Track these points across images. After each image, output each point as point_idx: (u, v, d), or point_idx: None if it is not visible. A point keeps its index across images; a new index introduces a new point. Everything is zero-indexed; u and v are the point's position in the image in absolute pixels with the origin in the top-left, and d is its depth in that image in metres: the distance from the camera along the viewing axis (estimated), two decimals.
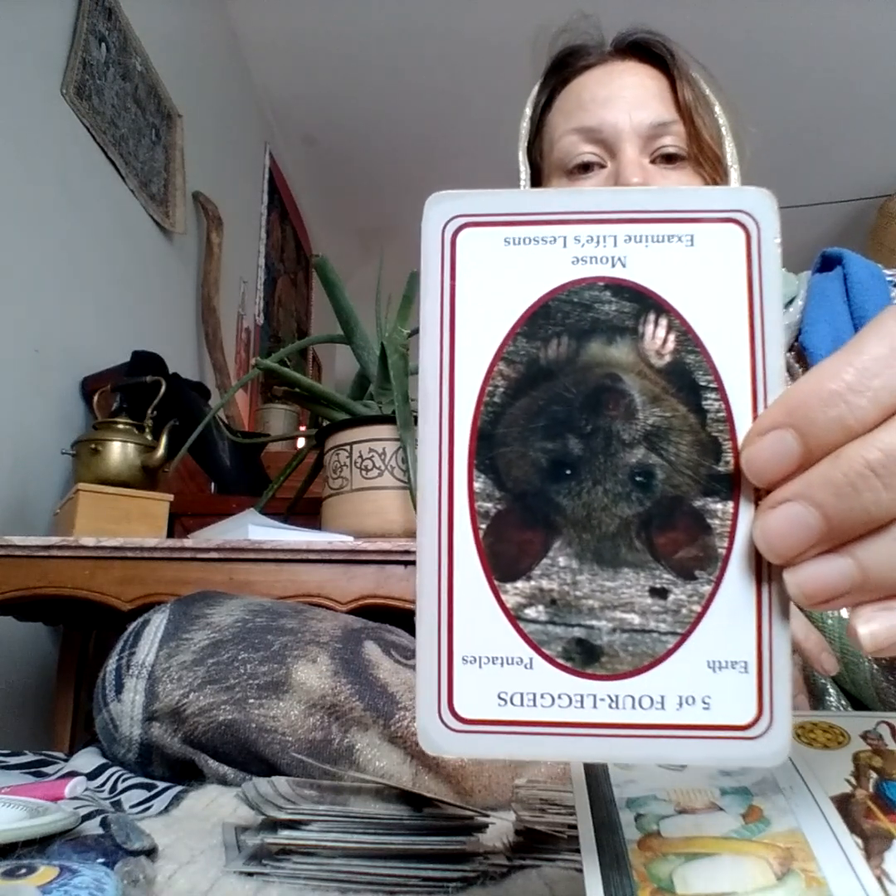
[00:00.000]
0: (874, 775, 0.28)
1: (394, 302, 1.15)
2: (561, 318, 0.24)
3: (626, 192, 0.25)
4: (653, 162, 0.76)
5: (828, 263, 0.78)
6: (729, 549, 0.23)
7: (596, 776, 0.28)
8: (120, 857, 0.38)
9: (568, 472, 0.23)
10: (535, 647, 0.23)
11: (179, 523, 1.42)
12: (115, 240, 1.74)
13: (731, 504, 0.23)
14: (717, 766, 0.28)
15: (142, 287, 1.87)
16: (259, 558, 1.05)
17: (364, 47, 2.62)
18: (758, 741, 0.22)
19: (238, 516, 1.15)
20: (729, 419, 0.23)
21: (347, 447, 1.12)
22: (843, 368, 0.21)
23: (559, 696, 0.23)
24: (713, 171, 0.77)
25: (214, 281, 2.24)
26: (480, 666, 0.23)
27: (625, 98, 0.76)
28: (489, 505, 0.23)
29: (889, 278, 0.73)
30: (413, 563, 1.08)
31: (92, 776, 0.62)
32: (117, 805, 0.56)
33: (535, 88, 0.85)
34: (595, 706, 0.23)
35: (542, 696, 0.23)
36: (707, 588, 0.23)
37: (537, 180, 0.85)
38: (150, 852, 0.41)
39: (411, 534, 1.07)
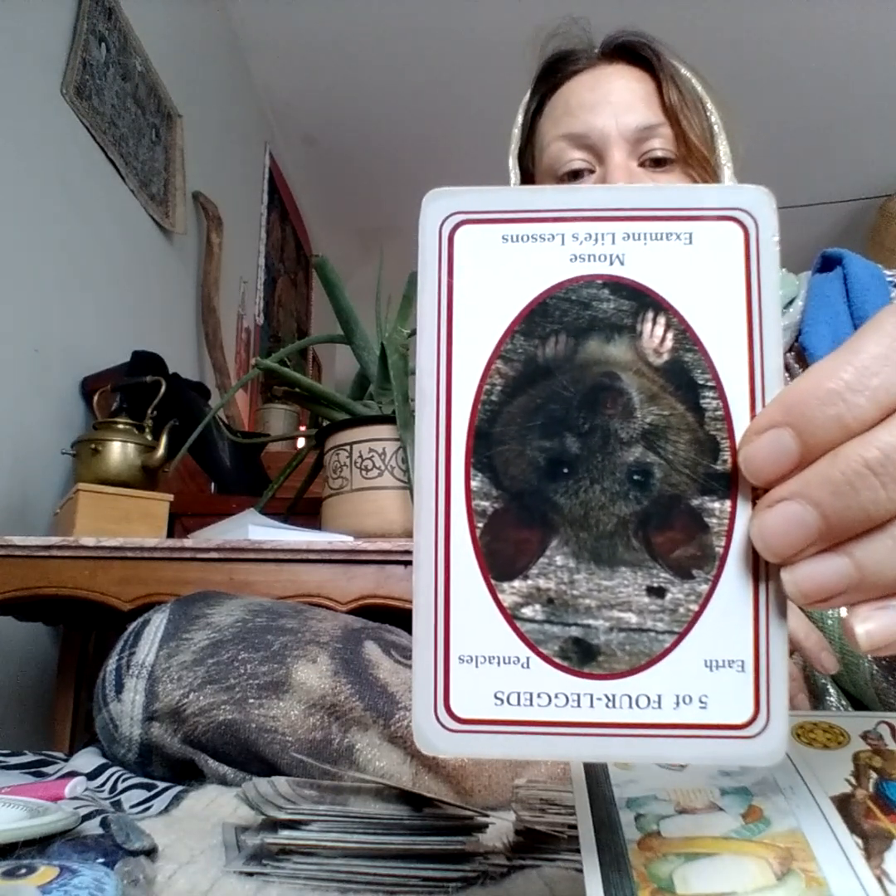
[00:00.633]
0: (874, 775, 0.28)
1: (394, 302, 1.15)
2: (559, 315, 0.24)
3: (625, 190, 0.25)
4: (642, 165, 0.76)
5: (828, 264, 0.78)
6: (726, 548, 0.23)
7: (596, 776, 0.28)
8: (120, 857, 0.38)
9: (565, 470, 0.23)
10: (532, 647, 0.23)
11: (179, 523, 1.42)
12: (115, 240, 1.74)
13: (728, 503, 0.23)
14: (713, 765, 0.28)
15: (142, 287, 1.87)
16: (259, 558, 1.05)
17: (364, 47, 2.62)
18: (755, 740, 0.22)
19: (238, 516, 1.15)
20: (727, 418, 0.23)
21: (347, 447, 1.12)
22: (841, 367, 0.21)
23: (556, 696, 0.23)
24: (703, 172, 0.77)
25: (214, 281, 2.24)
26: (477, 665, 0.23)
27: (611, 102, 0.77)
28: (486, 504, 0.23)
29: (889, 279, 0.73)
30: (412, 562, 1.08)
31: (92, 776, 0.62)
32: (117, 805, 0.56)
33: (527, 95, 0.86)
34: (592, 705, 0.23)
35: (538, 696, 0.23)
36: (704, 587, 0.23)
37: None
38: (150, 852, 0.41)
39: (411, 534, 1.06)
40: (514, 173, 0.86)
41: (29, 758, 0.73)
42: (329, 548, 1.04)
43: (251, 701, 0.59)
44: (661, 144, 0.76)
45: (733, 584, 0.23)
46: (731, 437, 0.23)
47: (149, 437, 1.34)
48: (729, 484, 0.23)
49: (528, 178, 0.85)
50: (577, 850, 0.25)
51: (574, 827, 0.27)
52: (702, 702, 0.22)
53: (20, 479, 1.37)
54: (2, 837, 0.38)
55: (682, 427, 0.23)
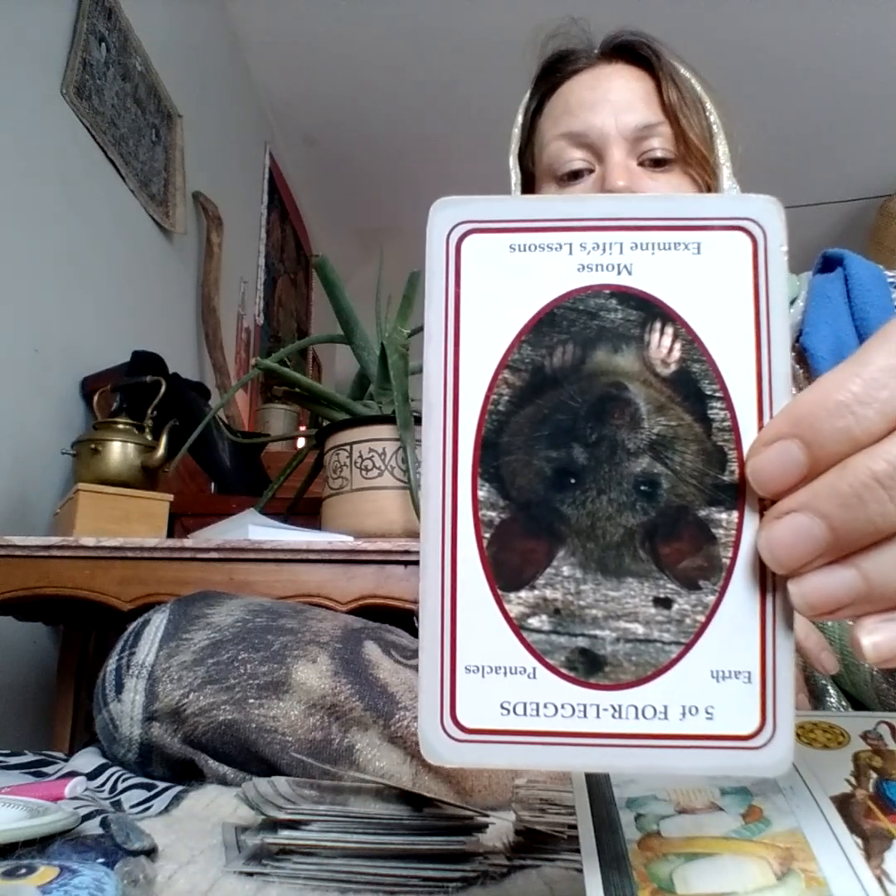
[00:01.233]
0: (874, 775, 0.28)
1: (394, 302, 1.15)
2: (566, 325, 0.24)
3: (633, 200, 0.25)
4: (641, 164, 0.76)
5: (829, 264, 0.78)
6: (733, 559, 0.23)
7: (596, 776, 0.28)
8: (120, 857, 0.38)
9: (572, 481, 0.23)
10: (539, 657, 0.23)
11: (179, 523, 1.42)
12: (115, 240, 1.74)
13: (735, 514, 0.23)
14: (719, 775, 0.28)
15: (142, 287, 1.87)
16: (259, 558, 1.05)
17: (364, 47, 2.62)
18: (761, 751, 0.22)
19: (238, 516, 1.15)
20: (735, 428, 0.23)
21: (347, 447, 1.12)
22: (849, 379, 0.21)
23: (562, 706, 0.23)
24: (702, 171, 0.77)
25: (214, 281, 2.24)
26: (483, 675, 0.23)
27: (611, 101, 0.77)
28: (493, 514, 0.23)
29: (890, 280, 0.73)
30: (413, 563, 1.08)
31: (92, 776, 0.62)
32: (117, 805, 0.56)
33: (527, 95, 0.86)
34: (598, 716, 0.23)
35: (544, 706, 0.23)
36: (711, 598, 0.23)
37: (529, 186, 0.85)
38: (150, 852, 0.41)
39: (411, 534, 1.07)
40: (514, 173, 0.86)
41: (29, 758, 0.73)
42: (329, 548, 1.04)
43: (251, 701, 0.59)
44: (661, 144, 0.76)
45: (740, 595, 0.23)
46: (739, 447, 0.23)
47: (149, 437, 1.34)
48: (736, 495, 0.23)
49: (528, 178, 0.85)
50: (577, 850, 0.25)
51: (574, 827, 0.27)
52: (708, 712, 0.22)
53: (20, 479, 1.37)
54: (2, 837, 0.38)
55: (690, 437, 0.23)
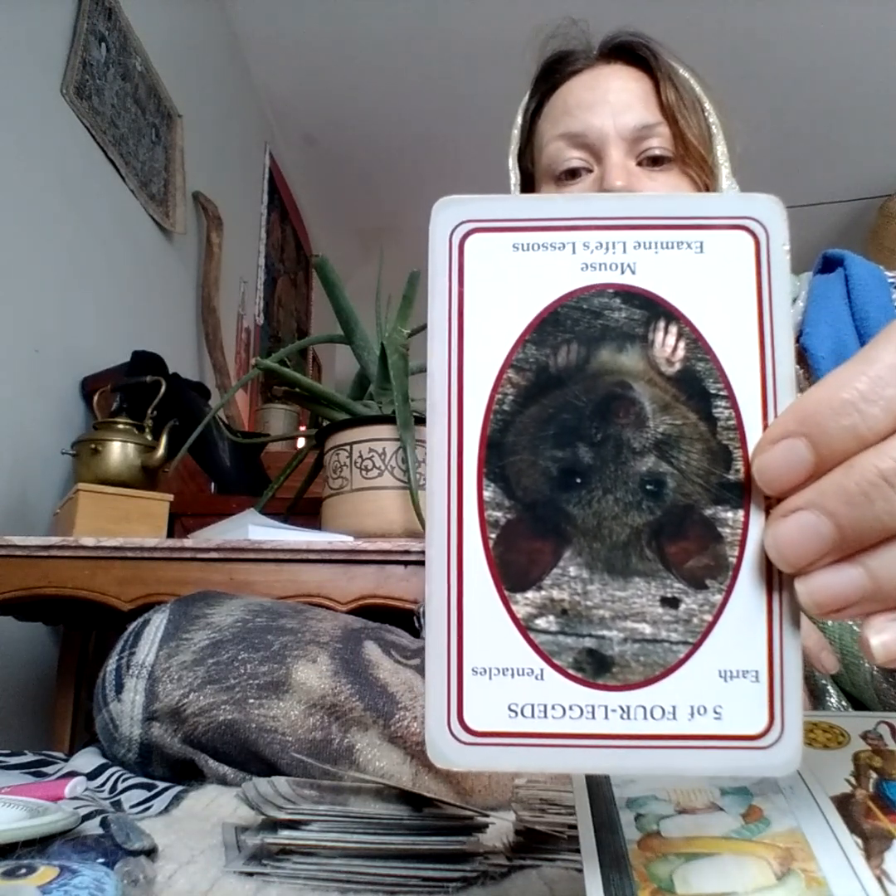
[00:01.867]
0: (874, 775, 0.28)
1: (394, 302, 1.15)
2: (570, 325, 0.24)
3: (636, 199, 0.25)
4: (639, 164, 0.76)
5: (829, 265, 0.78)
6: (740, 558, 0.23)
7: (596, 776, 0.28)
8: (120, 857, 0.38)
9: (578, 480, 0.23)
10: (546, 658, 0.23)
11: (179, 523, 1.42)
12: (115, 240, 1.74)
13: (741, 512, 0.23)
14: (728, 776, 0.27)
15: (142, 287, 1.87)
16: (259, 558, 1.05)
17: (364, 47, 2.62)
18: (769, 751, 0.22)
19: (238, 516, 1.15)
20: (739, 427, 0.23)
21: (347, 447, 1.12)
22: (855, 377, 0.21)
23: (570, 708, 0.23)
24: (700, 171, 0.77)
25: (214, 281, 2.24)
26: (490, 677, 0.23)
27: (609, 102, 0.77)
28: (499, 514, 0.23)
29: (891, 280, 0.73)
30: (413, 563, 1.08)
31: (92, 776, 0.62)
32: (117, 805, 0.56)
33: (526, 96, 0.86)
34: (606, 717, 0.23)
35: (552, 708, 0.23)
36: (718, 597, 0.23)
37: (528, 187, 0.85)
38: (150, 852, 0.41)
39: (411, 534, 1.07)
40: (513, 174, 0.86)
41: (29, 758, 0.73)
42: (329, 548, 1.04)
43: (251, 701, 0.59)
44: (659, 143, 0.76)
45: (747, 594, 0.23)
46: (744, 446, 0.23)
47: (149, 437, 1.34)
48: (742, 493, 0.23)
49: (527, 178, 0.85)
50: (577, 850, 0.25)
51: (574, 827, 0.26)
52: (716, 712, 0.22)
53: (20, 479, 1.37)
54: (2, 837, 0.38)
55: (695, 436, 0.23)
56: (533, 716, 0.23)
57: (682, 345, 0.23)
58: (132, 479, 1.29)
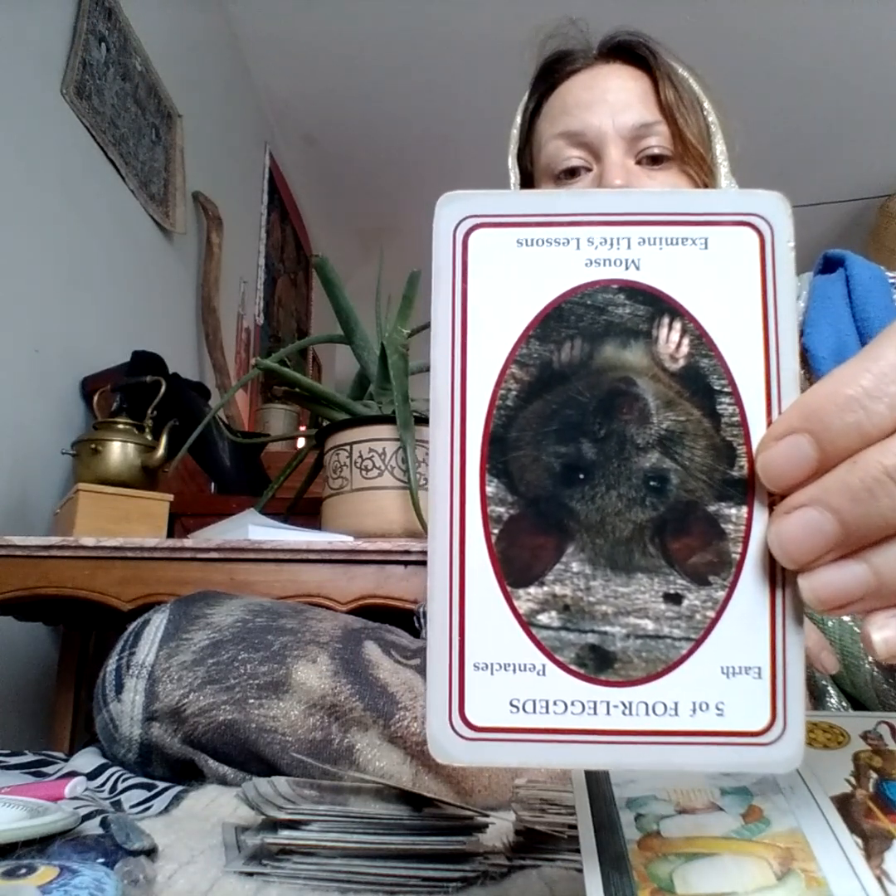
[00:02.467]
0: (874, 775, 0.28)
1: (394, 302, 1.15)
2: (574, 320, 0.24)
3: (640, 195, 0.25)
4: (639, 163, 0.76)
5: (830, 265, 0.78)
6: (743, 555, 0.23)
7: (596, 776, 0.28)
8: (120, 857, 0.38)
9: (581, 476, 0.23)
10: (548, 654, 0.23)
11: (179, 523, 1.42)
12: (115, 240, 1.74)
13: (745, 509, 0.23)
14: (730, 772, 0.27)
15: (142, 287, 1.87)
16: (259, 558, 1.05)
17: (364, 47, 2.62)
18: (772, 747, 0.22)
19: (238, 516, 1.15)
20: (743, 423, 0.23)
21: (347, 447, 1.12)
22: (860, 374, 0.21)
23: (572, 703, 0.23)
24: (699, 170, 0.77)
25: (214, 281, 2.24)
26: (492, 672, 0.23)
27: (608, 101, 0.77)
28: (502, 510, 0.23)
29: (892, 280, 0.73)
30: (413, 563, 1.08)
31: (92, 776, 0.62)
32: (117, 805, 0.56)
33: (525, 95, 0.86)
34: (608, 713, 0.23)
35: (554, 704, 0.23)
36: (721, 593, 0.23)
37: (528, 187, 0.85)
38: (150, 852, 0.41)
39: (411, 534, 1.07)
40: (513, 174, 0.86)
41: (29, 758, 0.73)
42: (329, 548, 1.04)
43: (251, 701, 0.59)
44: (658, 142, 0.76)
45: (750, 590, 0.23)
46: (748, 442, 0.23)
47: (149, 437, 1.34)
48: (745, 490, 0.23)
49: (527, 178, 0.85)
50: (577, 850, 0.25)
51: (574, 827, 0.26)
52: (719, 709, 0.22)
53: (20, 479, 1.37)
54: (2, 837, 0.38)
55: (699, 433, 0.23)
56: (535, 711, 0.23)
57: (686, 341, 0.23)
58: (132, 479, 1.29)
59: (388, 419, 1.09)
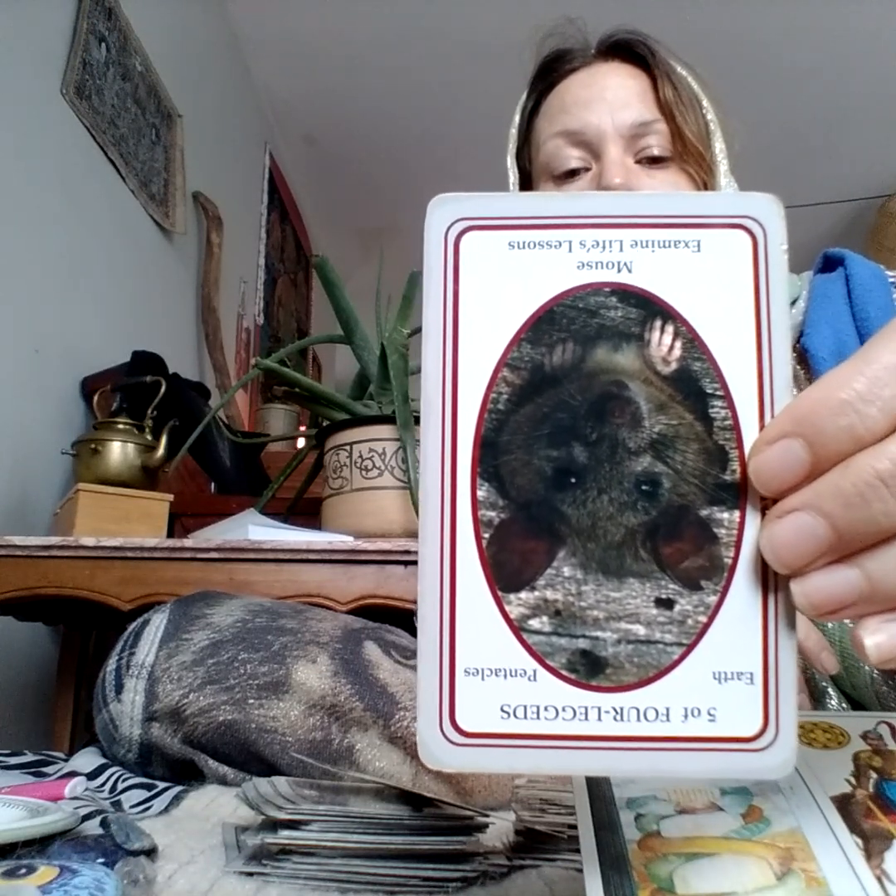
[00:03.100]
0: (874, 775, 0.28)
1: (394, 302, 1.15)
2: (566, 323, 0.23)
3: (633, 197, 0.24)
4: (638, 162, 0.76)
5: (830, 264, 0.78)
6: (735, 559, 0.22)
7: (596, 776, 0.28)
8: (120, 857, 0.38)
9: (573, 480, 0.23)
10: (539, 659, 0.23)
11: (179, 523, 1.42)
12: (115, 240, 1.74)
13: (737, 513, 0.22)
14: (722, 778, 0.27)
15: (142, 287, 1.87)
16: (259, 558, 1.05)
17: (364, 47, 2.62)
18: (764, 753, 0.22)
19: (238, 516, 1.15)
20: (736, 427, 0.23)
21: (347, 447, 1.12)
22: (853, 377, 0.20)
23: (563, 709, 0.23)
24: (698, 169, 0.77)
25: (214, 281, 2.24)
26: (483, 678, 0.23)
27: (607, 99, 0.77)
28: (492, 514, 0.23)
29: (891, 279, 0.73)
30: (413, 563, 1.08)
31: (92, 776, 0.62)
32: (117, 805, 0.56)
33: (524, 95, 0.86)
34: (599, 719, 0.22)
35: (545, 709, 0.23)
36: (713, 598, 0.22)
37: (527, 186, 0.85)
38: (150, 852, 0.41)
39: (411, 534, 1.07)
40: (512, 173, 0.86)
41: (29, 758, 0.73)
42: (329, 548, 1.04)
43: (251, 701, 0.59)
44: (657, 141, 0.76)
45: (742, 595, 0.22)
46: (740, 446, 0.23)
47: (149, 437, 1.34)
48: (738, 494, 0.23)
49: (525, 177, 0.85)
50: (577, 850, 0.25)
51: (574, 827, 0.26)
52: (710, 714, 0.22)
53: (20, 479, 1.37)
54: (2, 837, 0.38)
55: (691, 436, 0.23)
56: (525, 717, 0.23)
57: (678, 344, 0.23)
58: (132, 479, 1.29)
59: (388, 419, 1.09)
